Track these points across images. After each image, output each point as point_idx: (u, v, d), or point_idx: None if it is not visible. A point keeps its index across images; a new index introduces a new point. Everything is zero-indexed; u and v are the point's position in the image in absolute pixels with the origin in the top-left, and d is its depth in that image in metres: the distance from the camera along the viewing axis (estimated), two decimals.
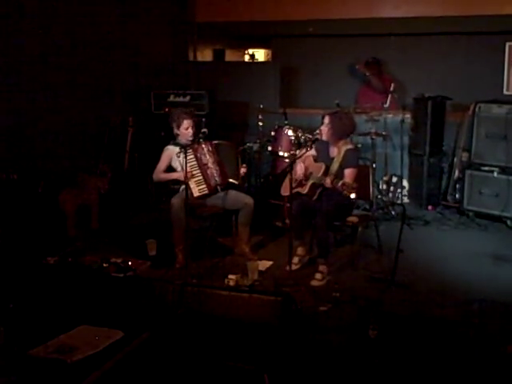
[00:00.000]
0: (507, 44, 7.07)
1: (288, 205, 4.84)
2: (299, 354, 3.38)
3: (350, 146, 4.98)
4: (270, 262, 5.05)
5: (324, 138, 4.95)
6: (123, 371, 3.00)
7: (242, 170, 5.22)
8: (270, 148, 6.42)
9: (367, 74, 7.33)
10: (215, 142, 5.15)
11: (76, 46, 6.36)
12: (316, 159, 5.03)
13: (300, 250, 5.05)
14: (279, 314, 3.54)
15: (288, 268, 4.74)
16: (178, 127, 5.11)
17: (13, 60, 5.69)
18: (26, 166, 5.65)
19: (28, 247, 5.06)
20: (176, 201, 4.92)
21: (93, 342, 3.20)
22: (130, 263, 4.84)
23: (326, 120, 4.95)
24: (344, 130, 5.00)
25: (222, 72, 7.89)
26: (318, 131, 5.13)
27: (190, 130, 5.11)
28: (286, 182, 5.14)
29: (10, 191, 5.35)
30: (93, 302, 3.74)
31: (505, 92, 7.06)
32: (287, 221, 4.89)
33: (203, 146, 5.03)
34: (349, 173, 4.82)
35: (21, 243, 5.11)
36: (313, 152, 5.09)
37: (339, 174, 4.82)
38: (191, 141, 5.09)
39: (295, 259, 4.97)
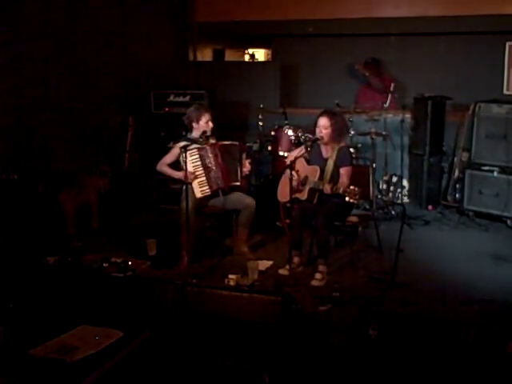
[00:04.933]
0: (507, 44, 7.06)
1: (288, 204, 4.80)
2: (299, 353, 3.38)
3: (342, 144, 4.96)
4: (270, 262, 5.04)
5: (325, 140, 4.85)
6: (123, 371, 3.00)
7: (246, 168, 5.18)
8: (269, 148, 6.43)
9: (367, 74, 7.33)
10: (220, 143, 5.12)
11: (76, 46, 6.36)
12: (308, 161, 4.98)
13: (296, 260, 4.93)
14: (279, 313, 3.54)
15: (288, 267, 4.74)
16: (198, 121, 5.07)
17: (13, 60, 5.69)
18: (25, 166, 5.66)
19: (28, 247, 5.06)
20: (185, 205, 4.87)
21: (93, 342, 3.21)
22: (129, 263, 4.85)
23: (325, 122, 4.82)
24: (343, 129, 5.01)
25: (222, 72, 7.89)
26: (316, 134, 5.02)
27: (210, 124, 5.10)
28: (281, 187, 5.12)
29: (10, 191, 5.35)
30: (93, 301, 3.74)
31: (505, 92, 7.06)
32: (286, 221, 4.88)
33: (208, 148, 5.01)
34: (345, 171, 4.81)
35: (21, 243, 5.12)
36: (302, 150, 5.03)
37: (334, 174, 4.81)
38: (204, 132, 5.06)
39: (287, 266, 4.86)
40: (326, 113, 4.90)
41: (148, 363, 3.10)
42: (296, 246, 4.89)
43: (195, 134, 5.11)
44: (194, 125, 5.09)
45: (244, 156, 5.20)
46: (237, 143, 5.17)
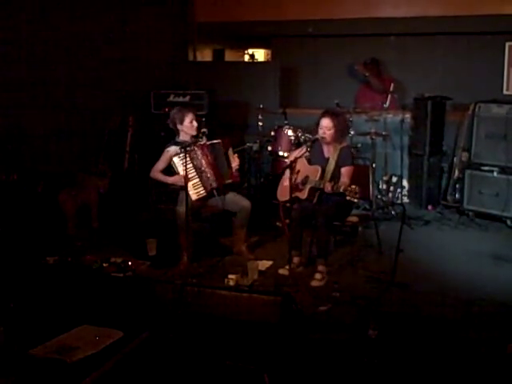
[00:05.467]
0: (507, 44, 7.06)
1: (288, 205, 4.81)
2: (299, 353, 3.38)
3: (344, 144, 4.97)
4: (270, 262, 5.05)
5: (328, 141, 4.85)
6: (123, 371, 3.00)
7: (236, 163, 5.16)
8: (269, 148, 6.43)
9: (366, 74, 7.33)
10: (208, 143, 5.11)
11: (76, 46, 6.37)
12: (310, 161, 4.98)
13: (296, 260, 4.93)
14: (279, 313, 3.54)
15: (288, 267, 4.75)
16: (182, 122, 5.05)
17: (13, 60, 5.69)
18: (25, 166, 5.66)
19: (28, 247, 5.06)
20: (182, 210, 4.80)
21: (93, 342, 3.21)
22: (129, 263, 4.85)
23: (328, 123, 4.81)
24: (345, 129, 5.02)
25: (222, 72, 7.89)
26: (319, 134, 5.02)
27: (195, 123, 5.08)
28: (281, 186, 5.12)
29: (10, 191, 5.35)
30: (93, 301, 3.74)
31: (505, 92, 7.06)
32: (286, 221, 4.88)
33: (196, 149, 4.99)
34: (346, 171, 4.82)
35: (21, 243, 5.12)
36: (303, 151, 5.02)
37: (336, 173, 4.82)
38: (194, 136, 5.05)
39: (287, 266, 4.85)
40: (329, 113, 4.89)
41: (148, 363, 3.10)
42: (296, 246, 4.89)
43: (183, 136, 5.10)
44: (179, 127, 5.08)
45: (231, 151, 5.19)
46: (220, 141, 5.15)
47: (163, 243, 5.25)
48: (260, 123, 6.71)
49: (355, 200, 4.47)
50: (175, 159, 4.93)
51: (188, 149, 4.82)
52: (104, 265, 4.78)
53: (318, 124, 4.89)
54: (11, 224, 5.28)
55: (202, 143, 5.07)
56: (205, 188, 4.99)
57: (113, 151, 6.65)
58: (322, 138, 4.84)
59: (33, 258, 4.82)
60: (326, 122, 4.83)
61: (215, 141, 5.14)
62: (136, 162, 6.91)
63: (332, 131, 4.82)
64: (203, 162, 5.00)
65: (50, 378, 2.93)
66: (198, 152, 5.00)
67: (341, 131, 4.89)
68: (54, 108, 6.10)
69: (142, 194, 6.80)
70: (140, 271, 4.81)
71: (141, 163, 6.90)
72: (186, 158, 4.69)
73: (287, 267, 4.77)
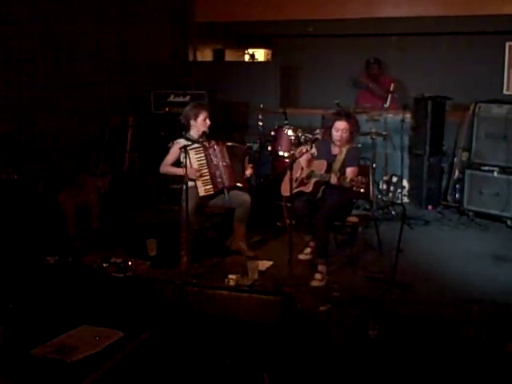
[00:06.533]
0: (507, 44, 7.06)
1: (289, 204, 4.82)
2: (299, 353, 3.38)
3: (352, 145, 5.00)
4: (270, 262, 5.04)
5: (342, 143, 4.88)
6: (123, 371, 3.00)
7: (249, 171, 5.20)
8: (269, 148, 6.43)
9: (370, 85, 7.36)
10: (227, 143, 5.14)
11: (76, 46, 6.37)
12: (316, 157, 5.01)
13: (312, 244, 5.05)
14: (279, 313, 3.54)
15: (307, 252, 4.85)
16: (196, 118, 5.05)
17: (12, 59, 5.69)
18: (25, 166, 5.65)
19: (28, 247, 5.06)
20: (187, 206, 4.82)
21: (93, 342, 3.21)
22: (129, 263, 4.85)
23: (345, 126, 4.84)
24: (357, 129, 5.06)
25: (222, 72, 7.89)
26: (318, 131, 5.09)
27: (208, 121, 5.08)
28: (285, 182, 5.14)
29: (10, 191, 5.35)
30: (93, 301, 3.74)
31: (505, 92, 7.05)
32: (287, 221, 4.91)
33: (216, 147, 5.02)
34: (351, 171, 4.83)
35: (21, 243, 5.11)
36: (312, 150, 5.07)
37: (341, 171, 4.83)
38: (205, 133, 5.06)
39: (307, 249, 5.07)
40: (343, 116, 4.94)
41: (148, 363, 3.10)
42: (309, 231, 4.96)
43: (193, 133, 5.11)
44: (192, 122, 5.08)
45: (247, 160, 5.24)
46: (241, 146, 5.23)
47: (163, 243, 5.24)
48: (260, 123, 6.71)
49: (361, 190, 4.48)
50: (190, 152, 4.86)
51: (205, 145, 4.88)
52: (104, 265, 4.77)
53: (330, 126, 4.93)
54: (11, 224, 5.27)
55: (218, 142, 5.09)
56: (214, 186, 4.99)
57: (113, 151, 6.65)
58: (337, 140, 4.87)
59: (33, 258, 4.81)
60: (342, 125, 4.85)
61: (235, 144, 5.19)
62: (136, 162, 6.92)
63: (348, 134, 4.86)
64: (220, 160, 5.01)
65: (50, 378, 2.93)
66: (217, 150, 5.01)
67: (352, 134, 4.95)
68: (54, 108, 6.10)
69: (142, 193, 6.80)
70: (140, 271, 4.81)
71: (141, 163, 6.91)
72: (186, 155, 4.69)
73: (307, 251, 4.96)
